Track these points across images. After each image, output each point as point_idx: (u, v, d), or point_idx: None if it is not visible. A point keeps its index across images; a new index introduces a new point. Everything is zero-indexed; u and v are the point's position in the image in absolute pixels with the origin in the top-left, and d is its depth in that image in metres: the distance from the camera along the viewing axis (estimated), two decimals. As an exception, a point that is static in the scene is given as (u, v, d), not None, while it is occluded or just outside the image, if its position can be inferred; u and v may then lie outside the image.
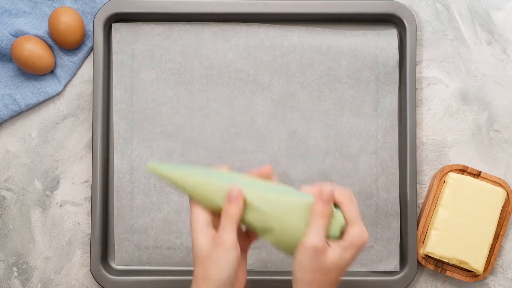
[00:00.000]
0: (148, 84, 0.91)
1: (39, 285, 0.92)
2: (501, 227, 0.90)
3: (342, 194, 0.69)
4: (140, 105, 0.91)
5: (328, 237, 0.68)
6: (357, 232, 0.67)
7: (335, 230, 0.68)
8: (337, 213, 0.69)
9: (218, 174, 0.70)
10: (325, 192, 0.67)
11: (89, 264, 0.91)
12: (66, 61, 0.92)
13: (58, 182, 0.92)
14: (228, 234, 0.66)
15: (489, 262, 0.90)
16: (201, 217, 0.68)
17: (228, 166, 0.71)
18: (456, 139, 0.93)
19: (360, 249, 0.68)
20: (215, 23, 0.91)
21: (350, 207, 0.68)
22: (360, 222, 0.68)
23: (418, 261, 0.90)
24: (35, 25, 0.91)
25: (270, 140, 0.91)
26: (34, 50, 0.88)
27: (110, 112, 0.91)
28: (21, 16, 0.91)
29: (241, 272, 0.70)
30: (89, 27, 0.92)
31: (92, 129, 0.89)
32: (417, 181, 0.92)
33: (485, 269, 0.90)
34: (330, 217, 0.67)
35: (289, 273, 0.91)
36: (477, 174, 0.91)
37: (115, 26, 0.91)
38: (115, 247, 0.90)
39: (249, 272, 0.91)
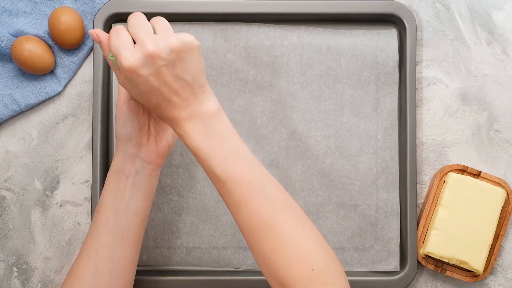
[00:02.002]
0: (148, 84, 0.91)
1: (39, 285, 0.92)
2: (501, 227, 0.90)
3: (111, 31, 0.71)
4: (140, 105, 0.91)
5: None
6: (119, 63, 0.69)
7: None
8: None
9: None
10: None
11: (89, 264, 0.91)
12: (66, 61, 0.92)
13: (58, 182, 0.92)
14: (119, 95, 0.78)
15: (489, 262, 0.90)
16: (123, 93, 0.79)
17: None
18: (456, 139, 0.93)
19: (130, 73, 0.69)
20: (215, 23, 0.91)
21: (110, 42, 0.71)
22: (119, 51, 0.69)
23: (418, 261, 0.90)
24: (35, 25, 0.91)
25: (270, 140, 0.91)
26: (34, 50, 0.88)
27: (110, 112, 0.91)
28: (21, 16, 0.91)
29: (147, 134, 0.79)
30: (89, 27, 0.92)
31: (92, 129, 0.89)
32: (417, 181, 0.92)
33: (485, 269, 0.90)
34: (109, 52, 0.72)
35: (289, 273, 0.91)
36: (477, 174, 0.91)
37: (115, 26, 0.91)
38: (115, 247, 0.90)
39: (249, 272, 0.91)
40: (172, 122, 0.72)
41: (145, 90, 0.70)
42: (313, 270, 0.69)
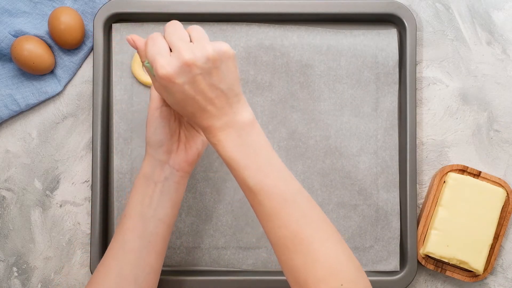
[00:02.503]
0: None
1: (39, 285, 0.92)
2: (501, 227, 0.90)
3: (148, 37, 0.72)
4: (140, 105, 0.91)
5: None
6: (154, 70, 0.69)
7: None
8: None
9: None
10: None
11: (89, 264, 0.91)
12: (66, 61, 0.92)
13: (58, 182, 0.92)
14: (151, 100, 0.78)
15: (489, 262, 0.90)
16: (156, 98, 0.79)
17: None
18: (456, 139, 0.93)
19: (166, 81, 0.68)
20: (215, 23, 0.91)
21: (146, 49, 0.71)
22: (155, 59, 0.69)
23: (418, 261, 0.90)
24: (35, 25, 0.91)
25: (270, 140, 0.91)
26: (34, 50, 0.88)
27: (110, 112, 0.91)
28: (21, 16, 0.91)
29: (177, 141, 0.79)
30: (89, 27, 0.92)
31: (92, 129, 0.89)
32: (417, 181, 0.92)
33: (485, 269, 0.90)
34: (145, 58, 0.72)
35: (289, 273, 0.91)
36: (477, 174, 0.91)
37: (115, 26, 0.91)
38: (115, 247, 0.90)
39: (249, 272, 0.91)
40: (206, 131, 0.72)
41: (180, 98, 0.70)
42: (342, 285, 0.69)
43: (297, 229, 0.70)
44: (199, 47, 0.69)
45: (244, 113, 0.72)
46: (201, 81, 0.69)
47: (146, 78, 0.90)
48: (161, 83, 0.69)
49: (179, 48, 0.69)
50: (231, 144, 0.71)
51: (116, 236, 0.78)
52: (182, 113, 0.72)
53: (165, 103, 0.77)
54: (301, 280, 0.70)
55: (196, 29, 0.72)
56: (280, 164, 0.72)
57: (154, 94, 0.78)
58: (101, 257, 0.89)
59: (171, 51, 0.70)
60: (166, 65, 0.68)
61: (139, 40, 0.73)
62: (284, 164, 0.73)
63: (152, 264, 0.78)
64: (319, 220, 0.71)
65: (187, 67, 0.68)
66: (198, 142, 0.80)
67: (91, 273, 0.89)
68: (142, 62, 0.73)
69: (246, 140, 0.71)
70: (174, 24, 0.71)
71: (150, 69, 0.71)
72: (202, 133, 0.79)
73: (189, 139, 0.79)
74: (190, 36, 0.71)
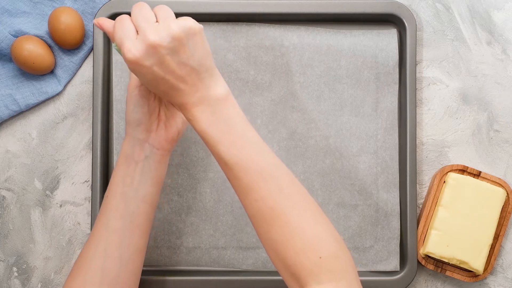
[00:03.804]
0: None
1: (39, 285, 0.92)
2: (501, 227, 0.90)
3: (116, 20, 0.72)
4: (140, 105, 0.91)
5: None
6: (122, 53, 0.69)
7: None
8: None
9: None
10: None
11: (89, 264, 0.91)
12: (66, 61, 0.92)
13: (58, 182, 0.92)
14: (130, 80, 0.77)
15: (489, 262, 0.90)
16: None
17: None
18: (456, 139, 0.93)
19: (134, 64, 0.68)
20: (215, 23, 0.91)
21: (114, 32, 0.71)
22: (122, 42, 0.69)
23: (418, 261, 0.90)
24: (35, 25, 0.91)
25: (270, 140, 0.91)
26: (34, 50, 0.88)
27: (110, 112, 0.91)
28: (21, 16, 0.91)
29: (157, 120, 0.78)
30: (89, 27, 0.92)
31: (92, 129, 0.89)
32: (417, 181, 0.92)
33: (485, 269, 0.90)
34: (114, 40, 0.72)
35: (289, 273, 0.91)
36: (477, 174, 0.91)
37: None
38: (115, 247, 0.90)
39: (249, 272, 0.91)
40: (181, 108, 0.72)
41: (151, 79, 0.70)
42: (320, 258, 0.69)
43: (274, 202, 0.70)
44: (163, 27, 0.68)
45: (218, 87, 0.72)
46: (169, 61, 0.69)
47: None
48: (130, 67, 0.69)
49: (144, 30, 0.68)
50: (205, 119, 0.71)
51: (100, 216, 0.79)
52: (156, 92, 0.73)
53: None
54: (280, 253, 0.70)
55: (161, 8, 0.71)
56: (256, 137, 0.72)
57: (130, 76, 0.78)
58: (101, 257, 0.89)
59: (138, 33, 0.69)
60: (132, 48, 0.68)
61: (106, 23, 0.73)
62: (260, 138, 0.73)
63: (136, 243, 0.78)
64: (297, 193, 0.71)
65: (152, 48, 0.68)
66: (178, 120, 0.79)
67: (91, 273, 0.89)
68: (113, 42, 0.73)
69: (220, 114, 0.71)
70: (140, 6, 0.71)
71: (119, 52, 0.71)
72: None
73: (169, 118, 0.79)
74: (156, 16, 0.70)
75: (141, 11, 0.70)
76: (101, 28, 0.74)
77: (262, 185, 0.70)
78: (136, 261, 0.79)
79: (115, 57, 0.91)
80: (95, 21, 0.74)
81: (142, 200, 0.78)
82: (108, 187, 0.79)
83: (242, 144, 0.71)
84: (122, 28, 0.70)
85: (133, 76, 0.78)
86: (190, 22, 0.69)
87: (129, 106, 0.77)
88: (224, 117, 0.71)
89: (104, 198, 0.79)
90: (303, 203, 0.71)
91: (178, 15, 0.90)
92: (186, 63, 0.70)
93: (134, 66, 0.69)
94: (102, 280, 0.76)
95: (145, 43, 0.68)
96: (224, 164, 0.72)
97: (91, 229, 0.89)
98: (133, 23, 0.70)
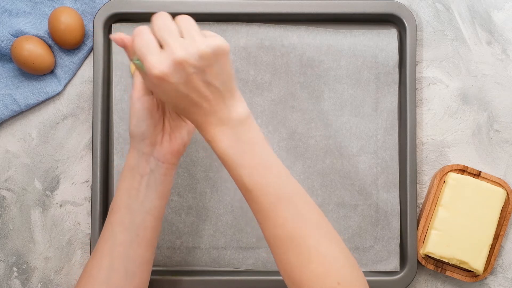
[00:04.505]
0: (148, 84, 0.91)
1: (39, 285, 0.92)
2: (501, 227, 0.90)
3: (134, 33, 0.68)
4: (140, 105, 0.91)
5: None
6: (146, 69, 0.66)
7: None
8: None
9: None
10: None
11: (89, 264, 0.91)
12: (66, 61, 0.92)
13: (58, 182, 0.92)
14: (133, 91, 0.74)
15: (489, 262, 0.90)
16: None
17: None
18: (456, 139, 0.93)
19: (159, 81, 0.66)
20: (215, 23, 0.91)
21: (134, 46, 0.68)
22: (145, 57, 0.66)
23: (418, 261, 0.90)
24: (35, 25, 0.91)
25: (270, 140, 0.91)
26: (34, 50, 0.88)
27: (110, 112, 0.91)
28: (21, 16, 0.91)
29: (161, 132, 0.76)
30: (89, 27, 0.92)
31: (92, 129, 0.89)
32: (417, 181, 0.92)
33: (485, 269, 0.90)
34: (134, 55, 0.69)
35: (289, 273, 0.91)
36: (477, 174, 0.91)
37: (115, 26, 0.91)
38: (115, 247, 0.91)
39: (249, 272, 0.91)
40: (200, 127, 0.70)
41: (173, 96, 0.67)
42: (339, 283, 0.68)
43: (292, 228, 0.69)
44: (191, 43, 0.66)
45: (239, 108, 0.70)
46: (195, 79, 0.66)
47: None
48: (153, 82, 0.67)
49: (170, 46, 0.65)
50: (226, 141, 0.69)
51: (105, 229, 0.78)
52: (174, 109, 0.71)
53: (147, 92, 0.74)
54: (296, 279, 0.69)
55: (184, 19, 0.68)
56: (276, 161, 0.71)
57: (136, 82, 0.74)
58: (101, 257, 0.89)
59: (160, 46, 0.67)
60: (158, 64, 0.65)
61: (126, 37, 0.71)
62: (280, 161, 0.71)
63: (142, 255, 0.77)
64: (316, 219, 0.70)
65: (179, 65, 0.65)
66: (183, 131, 0.77)
67: (91, 273, 0.89)
68: (130, 59, 0.71)
69: (241, 137, 0.69)
70: (162, 17, 0.68)
71: (141, 66, 0.68)
72: (188, 122, 0.77)
73: (173, 129, 0.76)
74: (179, 28, 0.68)
75: (165, 23, 0.67)
76: (120, 42, 0.71)
77: (281, 210, 0.69)
78: (142, 274, 0.78)
79: (115, 56, 0.91)
80: (112, 36, 0.71)
81: (148, 213, 0.77)
82: (113, 200, 0.78)
83: (262, 167, 0.70)
84: (144, 42, 0.66)
85: (136, 86, 0.74)
86: (219, 40, 0.67)
87: (133, 120, 0.74)
88: (245, 139, 0.69)
89: (109, 211, 0.79)
90: (321, 229, 0.70)
91: (178, 15, 0.90)
92: (211, 83, 0.67)
93: (159, 82, 0.66)
94: None
95: (172, 59, 0.65)
96: (243, 187, 0.70)
97: (91, 229, 0.89)
98: (155, 36, 0.67)
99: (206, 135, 0.70)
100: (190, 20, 0.68)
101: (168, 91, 0.67)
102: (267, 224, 0.70)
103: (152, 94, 0.74)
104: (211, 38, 0.67)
